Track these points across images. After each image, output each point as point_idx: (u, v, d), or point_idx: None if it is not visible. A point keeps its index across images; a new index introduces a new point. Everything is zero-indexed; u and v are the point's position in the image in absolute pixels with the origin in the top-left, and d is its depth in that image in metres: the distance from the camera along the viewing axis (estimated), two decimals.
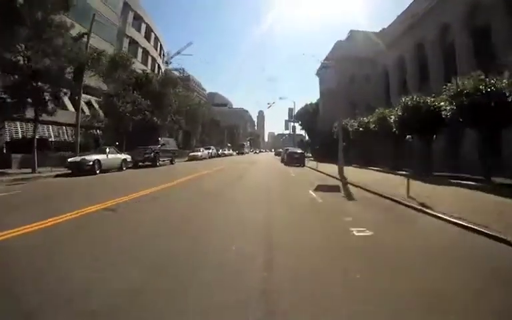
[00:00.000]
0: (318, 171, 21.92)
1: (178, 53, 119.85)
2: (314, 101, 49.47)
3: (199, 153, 35.57)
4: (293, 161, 25.72)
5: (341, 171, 17.27)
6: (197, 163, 30.14)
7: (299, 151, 28.14)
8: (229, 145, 63.95)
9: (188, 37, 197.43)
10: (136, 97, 25.65)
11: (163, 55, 58.00)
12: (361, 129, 25.51)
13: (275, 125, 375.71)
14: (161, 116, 30.95)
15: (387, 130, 19.13)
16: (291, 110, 51.44)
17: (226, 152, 50.65)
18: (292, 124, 54.59)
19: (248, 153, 66.33)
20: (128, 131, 25.11)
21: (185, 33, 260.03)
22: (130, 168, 20.26)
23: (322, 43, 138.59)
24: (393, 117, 17.89)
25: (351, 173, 17.40)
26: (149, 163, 23.15)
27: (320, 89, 43.93)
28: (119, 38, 37.17)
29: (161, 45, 54.36)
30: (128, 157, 20.38)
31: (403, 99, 16.79)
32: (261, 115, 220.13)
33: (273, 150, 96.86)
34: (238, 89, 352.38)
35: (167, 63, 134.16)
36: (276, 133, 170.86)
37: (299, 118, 52.91)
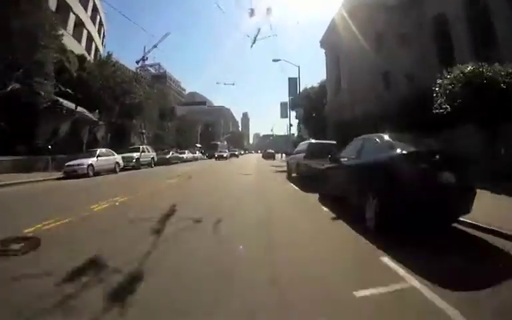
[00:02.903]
0: None
1: (155, 46, 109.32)
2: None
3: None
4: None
5: None
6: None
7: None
8: (198, 145, 50.91)
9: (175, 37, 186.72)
10: None
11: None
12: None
13: (261, 126, 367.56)
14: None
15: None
16: (292, 82, 30.85)
17: (187, 155, 33.98)
18: (293, 113, 35.68)
19: (226, 157, 42.32)
20: None
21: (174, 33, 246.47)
22: None
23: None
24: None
25: None
26: None
27: (327, 62, 33.34)
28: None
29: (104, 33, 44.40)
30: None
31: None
32: (245, 117, 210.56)
33: (259, 151, 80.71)
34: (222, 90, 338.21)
35: (143, 59, 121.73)
36: (261, 134, 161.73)
37: (293, 107, 43.53)
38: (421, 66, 20.33)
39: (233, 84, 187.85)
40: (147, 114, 31.82)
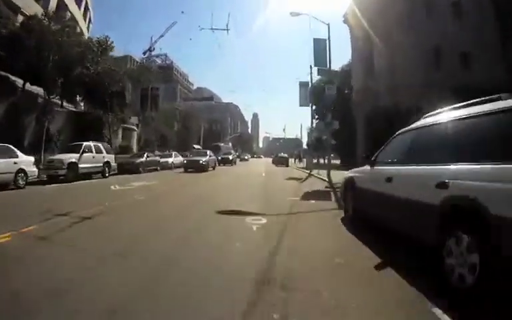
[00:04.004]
0: None
1: (162, 35, 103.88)
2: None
3: None
4: None
5: None
6: None
7: None
8: (196, 146, 41.00)
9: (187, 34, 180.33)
10: None
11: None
12: None
13: (271, 129, 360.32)
14: None
15: None
16: (320, 44, 15.37)
17: (174, 159, 25.50)
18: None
19: (232, 161, 34.62)
20: None
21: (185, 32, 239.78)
22: None
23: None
24: None
25: None
26: None
27: (353, 42, 26.20)
28: None
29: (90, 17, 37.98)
30: None
31: None
32: (255, 118, 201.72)
33: (271, 155, 66.77)
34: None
35: (150, 49, 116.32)
36: (271, 138, 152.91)
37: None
38: (478, 46, 16.99)
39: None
40: (119, 100, 24.12)
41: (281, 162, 34.89)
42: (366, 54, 22.86)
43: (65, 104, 23.06)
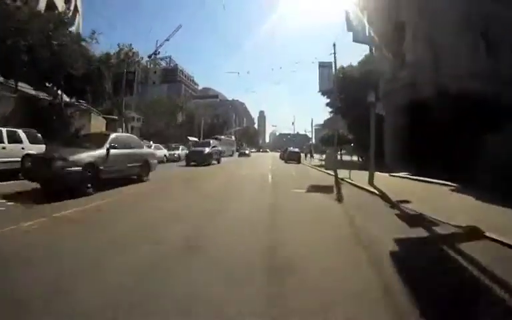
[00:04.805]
0: None
1: (167, 39, 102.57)
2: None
3: None
4: None
5: None
6: None
7: None
8: (192, 139, 36.62)
9: (192, 38, 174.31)
10: None
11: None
12: None
13: (278, 125, 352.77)
14: None
15: None
16: None
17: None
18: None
19: (209, 158, 20.77)
20: None
21: (189, 34, 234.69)
22: None
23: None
24: None
25: None
26: None
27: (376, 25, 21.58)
28: None
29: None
30: None
31: None
32: (261, 115, 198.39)
33: (278, 150, 60.54)
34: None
35: (155, 53, 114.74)
36: (278, 133, 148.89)
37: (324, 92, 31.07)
38: None
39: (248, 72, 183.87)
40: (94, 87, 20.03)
41: (291, 158, 30.08)
42: (395, 38, 18.15)
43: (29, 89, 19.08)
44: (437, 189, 8.76)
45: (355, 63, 28.56)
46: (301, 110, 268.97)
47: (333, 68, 17.84)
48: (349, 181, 11.67)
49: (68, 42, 16.93)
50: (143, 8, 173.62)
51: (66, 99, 20.99)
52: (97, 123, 23.53)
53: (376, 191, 8.41)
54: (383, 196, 7.68)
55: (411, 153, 13.60)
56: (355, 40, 13.24)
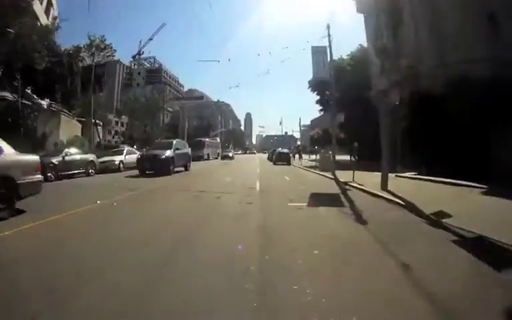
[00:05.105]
0: None
1: (150, 38, 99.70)
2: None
3: None
4: None
5: None
6: None
7: None
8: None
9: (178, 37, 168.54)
10: None
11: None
12: None
13: (264, 125, 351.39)
14: None
15: None
16: None
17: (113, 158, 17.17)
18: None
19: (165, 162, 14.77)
20: None
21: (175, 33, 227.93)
22: None
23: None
24: None
25: None
26: None
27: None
28: None
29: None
30: None
31: None
32: (248, 117, 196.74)
33: (266, 151, 58.96)
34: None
35: (139, 53, 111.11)
36: (264, 135, 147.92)
37: (314, 88, 29.78)
38: None
39: (238, 85, 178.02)
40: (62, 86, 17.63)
41: (281, 159, 28.43)
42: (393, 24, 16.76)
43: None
44: (464, 192, 7.41)
45: (345, 57, 27.55)
46: (288, 111, 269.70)
47: (328, 53, 15.95)
48: (355, 185, 10.23)
49: (27, 30, 14.78)
50: (130, 6, 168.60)
51: (42, 100, 18.62)
52: (69, 128, 21.15)
53: (396, 199, 6.83)
54: (410, 206, 6.09)
55: (419, 150, 12.41)
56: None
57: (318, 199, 7.77)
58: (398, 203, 6.62)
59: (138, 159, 15.78)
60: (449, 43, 12.23)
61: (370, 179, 10.47)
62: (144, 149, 21.16)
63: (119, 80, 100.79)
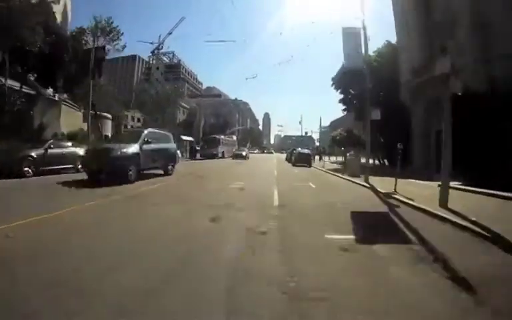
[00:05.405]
0: None
1: (170, 33, 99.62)
2: None
3: None
4: None
5: None
6: None
7: None
8: (189, 139, 33.13)
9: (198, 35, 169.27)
10: None
11: None
12: None
13: (282, 127, 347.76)
14: None
15: None
16: None
17: None
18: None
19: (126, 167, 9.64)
20: None
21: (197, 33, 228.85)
22: None
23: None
24: None
25: None
26: None
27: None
28: None
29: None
30: None
31: None
32: (266, 117, 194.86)
33: (284, 151, 55.99)
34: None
35: (158, 48, 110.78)
36: (282, 135, 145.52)
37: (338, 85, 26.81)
38: None
39: (255, 76, 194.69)
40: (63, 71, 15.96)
41: (301, 160, 25.81)
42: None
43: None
44: None
45: (371, 53, 24.88)
46: (306, 112, 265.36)
47: (362, 37, 12.69)
48: (401, 198, 7.61)
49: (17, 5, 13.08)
50: (148, 3, 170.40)
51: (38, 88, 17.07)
52: (71, 119, 19.31)
53: (474, 227, 4.37)
54: (502, 242, 3.73)
55: (468, 157, 10.17)
56: None
57: (365, 225, 5.18)
58: (479, 233, 4.07)
59: (83, 160, 11.27)
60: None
61: (413, 189, 8.61)
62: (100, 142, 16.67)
63: (137, 75, 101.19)
